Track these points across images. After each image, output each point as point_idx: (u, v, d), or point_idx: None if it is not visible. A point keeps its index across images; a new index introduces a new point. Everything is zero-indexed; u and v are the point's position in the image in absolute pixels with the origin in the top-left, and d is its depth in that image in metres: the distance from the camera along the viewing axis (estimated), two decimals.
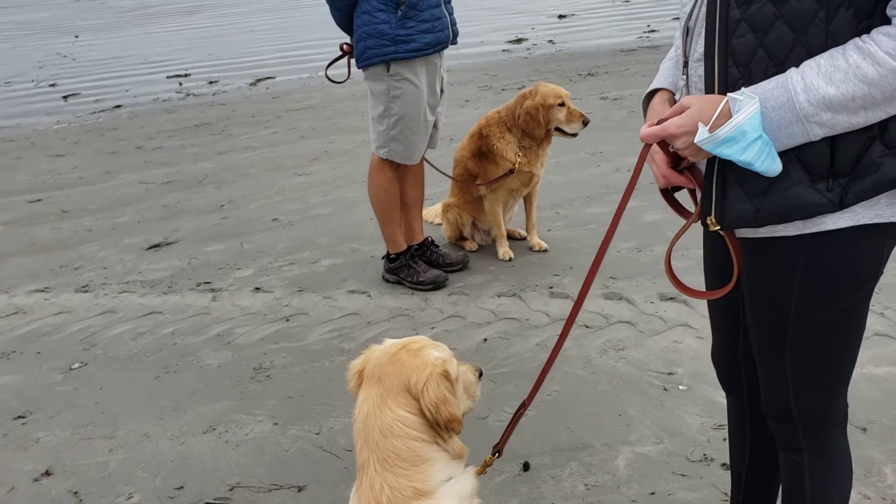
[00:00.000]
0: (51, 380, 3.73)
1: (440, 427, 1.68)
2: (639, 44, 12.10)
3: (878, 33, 1.35)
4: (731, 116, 1.43)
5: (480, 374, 1.90)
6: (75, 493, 2.90)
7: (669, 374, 3.31)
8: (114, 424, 3.32)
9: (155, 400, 3.49)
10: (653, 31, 13.10)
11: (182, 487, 2.88)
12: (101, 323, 4.29)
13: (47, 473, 3.03)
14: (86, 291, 4.74)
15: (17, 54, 15.77)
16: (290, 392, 3.43)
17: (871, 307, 1.69)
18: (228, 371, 3.67)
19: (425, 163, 4.43)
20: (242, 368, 3.67)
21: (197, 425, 3.26)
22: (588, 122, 4.48)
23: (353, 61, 4.28)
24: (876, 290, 1.64)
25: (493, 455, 1.91)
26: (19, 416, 3.44)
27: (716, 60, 1.52)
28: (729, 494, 2.24)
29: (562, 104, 4.44)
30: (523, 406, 1.92)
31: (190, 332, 4.08)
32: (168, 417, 3.34)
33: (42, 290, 4.79)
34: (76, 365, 3.86)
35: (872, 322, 3.46)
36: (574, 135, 4.52)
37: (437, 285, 4.34)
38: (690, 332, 3.61)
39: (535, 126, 4.42)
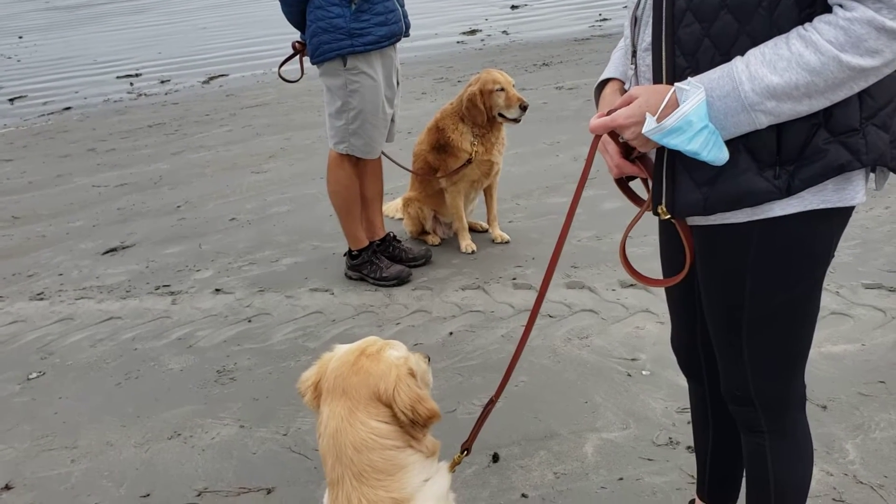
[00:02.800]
0: (7, 391, 3.65)
1: (419, 426, 1.64)
2: (591, 32, 12.19)
3: (820, 21, 1.37)
4: (678, 106, 1.45)
5: (429, 360, 1.88)
6: None
7: (633, 359, 3.35)
8: (75, 434, 3.26)
9: (117, 407, 3.42)
10: (605, 19, 13.21)
11: (148, 495, 2.83)
12: (58, 331, 4.20)
13: (7, 487, 2.96)
14: (41, 299, 4.64)
15: None
16: (255, 394, 3.40)
17: (825, 286, 1.73)
18: (191, 375, 3.62)
19: (383, 157, 4.41)
20: (206, 372, 3.63)
21: (161, 431, 3.21)
22: (526, 107, 4.47)
23: (305, 58, 4.25)
24: (830, 269, 1.68)
25: (462, 453, 1.91)
26: None
27: (663, 50, 1.53)
28: (695, 477, 2.27)
29: (500, 89, 4.43)
30: (491, 402, 1.93)
31: (150, 337, 4.01)
32: (131, 424, 3.29)
33: None
34: (34, 375, 3.77)
35: (828, 301, 3.54)
36: (516, 120, 4.50)
37: (400, 281, 4.33)
38: (652, 318, 3.65)
39: (476, 113, 4.44)
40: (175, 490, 2.84)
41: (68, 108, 10.57)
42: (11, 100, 11.33)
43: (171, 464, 3.00)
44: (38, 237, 5.72)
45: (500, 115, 4.49)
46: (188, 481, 2.88)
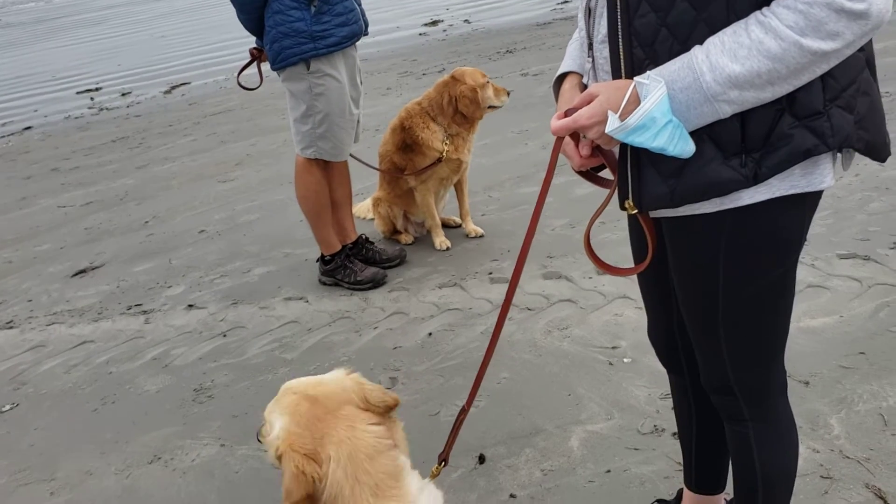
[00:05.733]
0: None
1: (391, 410, 1.73)
2: (553, 16, 12.16)
3: (778, 6, 1.33)
4: (639, 102, 1.41)
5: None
6: None
7: (613, 347, 3.33)
8: (53, 465, 3.18)
9: (95, 434, 3.35)
10: (565, 1, 13.18)
11: None
12: (30, 359, 4.11)
13: None
14: (11, 327, 4.53)
15: None
16: (234, 411, 3.34)
17: (801, 259, 1.69)
18: (168, 395, 3.55)
19: (350, 159, 4.35)
20: (183, 391, 3.56)
21: (141, 456, 3.15)
22: (510, 93, 4.68)
23: (264, 64, 4.17)
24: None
25: (440, 465, 1.87)
26: None
27: (619, 42, 1.49)
28: (682, 465, 2.25)
29: (488, 82, 4.55)
30: (463, 412, 1.88)
31: (125, 359, 3.94)
32: (110, 451, 3.22)
33: None
34: (7, 407, 3.68)
35: (804, 274, 3.54)
36: (500, 106, 4.64)
37: (375, 283, 4.28)
38: (630, 304, 3.63)
39: (475, 108, 4.48)
40: None
41: (28, 128, 10.37)
42: None
43: (153, 489, 2.94)
44: (4, 263, 5.60)
45: (490, 105, 4.58)
46: None
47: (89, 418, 3.48)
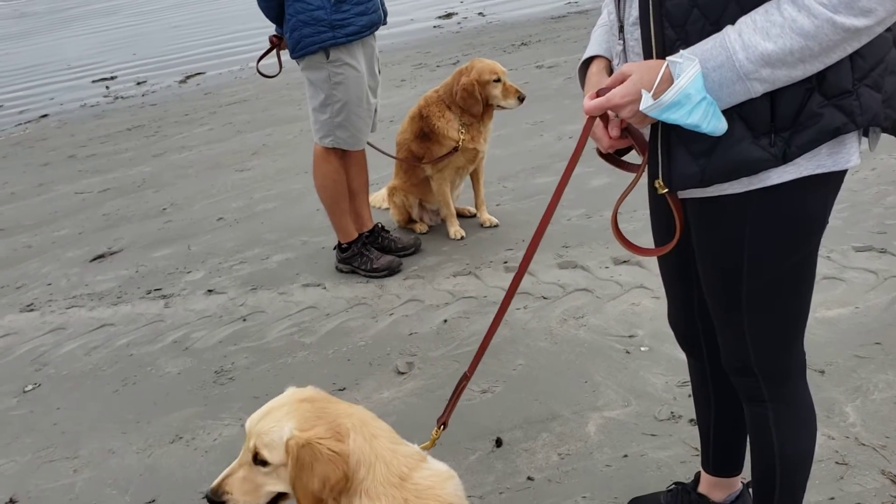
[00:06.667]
0: (4, 405, 3.62)
1: None
2: (567, 10, 12.15)
3: None
4: (672, 81, 1.43)
5: None
6: None
7: (630, 336, 3.36)
8: (76, 444, 3.24)
9: (116, 414, 3.41)
10: None
11: (153, 501, 2.82)
12: (51, 341, 4.17)
13: (11, 501, 2.94)
14: (31, 310, 4.60)
15: None
16: (254, 392, 3.39)
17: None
18: (189, 377, 3.60)
19: (367, 148, 4.38)
20: (203, 373, 3.61)
21: (162, 436, 3.20)
22: (524, 98, 4.49)
23: (283, 52, 4.20)
24: None
25: (439, 428, 1.90)
26: None
27: (651, 23, 1.51)
28: (699, 450, 2.28)
29: (497, 80, 4.43)
30: (465, 378, 1.92)
31: (145, 342, 3.99)
32: (132, 431, 3.27)
33: None
34: (29, 387, 3.75)
35: (820, 266, 3.51)
36: (507, 107, 4.53)
37: (391, 271, 4.31)
38: (647, 293, 3.66)
39: (472, 102, 4.42)
40: (180, 494, 2.83)
41: (45, 116, 10.45)
42: None
43: (174, 468, 2.99)
44: (24, 248, 5.67)
45: (498, 105, 4.49)
46: (193, 484, 2.87)
47: (110, 399, 3.54)
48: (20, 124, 10.18)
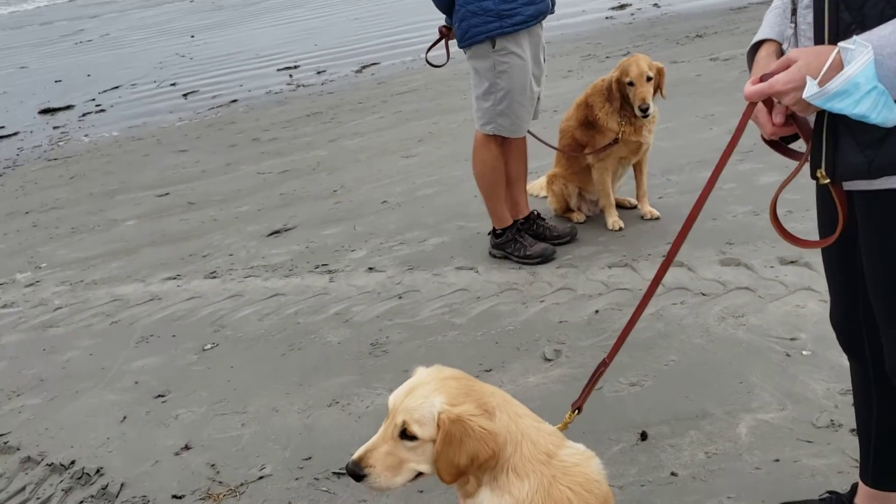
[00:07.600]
0: (186, 360, 3.99)
1: None
2: (749, 0, 11.55)
3: None
4: (842, 68, 1.37)
5: None
6: (212, 465, 3.11)
7: (792, 339, 3.20)
8: (245, 400, 3.52)
9: (281, 376, 3.67)
10: None
11: (310, 458, 3.03)
12: (229, 306, 4.54)
13: (187, 447, 3.25)
14: (214, 277, 5.02)
15: (139, 57, 16.67)
16: (405, 366, 3.49)
17: None
18: (348, 347, 3.81)
19: (528, 136, 4.42)
20: (360, 344, 3.81)
21: (321, 399, 3.42)
22: (645, 109, 4.30)
23: (451, 42, 4.31)
24: None
25: (573, 412, 1.92)
26: (159, 395, 3.69)
27: (825, 5, 1.45)
28: (858, 461, 2.16)
29: (630, 83, 4.34)
30: (603, 364, 1.93)
31: (311, 312, 4.26)
32: (294, 392, 3.52)
33: (174, 278, 5.11)
34: (208, 346, 4.10)
35: None
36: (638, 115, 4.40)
37: (544, 258, 4.33)
38: (814, 296, 3.46)
39: (612, 98, 4.43)
40: (333, 455, 3.01)
41: (234, 101, 11.26)
42: (185, 95, 12.21)
43: (330, 429, 3.19)
44: (211, 221, 6.18)
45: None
46: (345, 447, 3.04)
47: (278, 362, 3.81)
48: (213, 108, 11.04)
